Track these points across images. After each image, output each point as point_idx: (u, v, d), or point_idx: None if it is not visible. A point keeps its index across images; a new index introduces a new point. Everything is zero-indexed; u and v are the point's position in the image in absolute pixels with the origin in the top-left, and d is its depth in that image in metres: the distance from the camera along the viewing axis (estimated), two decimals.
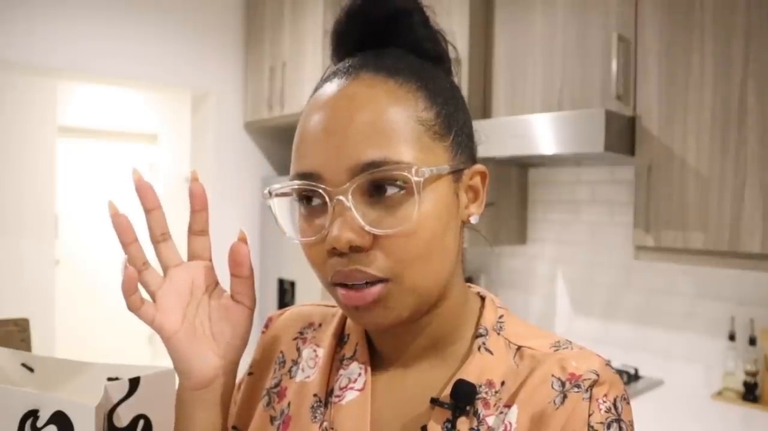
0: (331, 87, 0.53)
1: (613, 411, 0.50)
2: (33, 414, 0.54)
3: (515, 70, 2.21)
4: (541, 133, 1.94)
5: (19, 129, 3.85)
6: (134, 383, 0.57)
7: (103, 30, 2.73)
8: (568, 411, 0.49)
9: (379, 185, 0.49)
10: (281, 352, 0.67)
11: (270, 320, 0.71)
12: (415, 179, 0.48)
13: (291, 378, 0.64)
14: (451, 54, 0.60)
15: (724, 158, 1.70)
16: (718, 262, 1.73)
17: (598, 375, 0.51)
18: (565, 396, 0.50)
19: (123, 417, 0.56)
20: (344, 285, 0.51)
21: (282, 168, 3.33)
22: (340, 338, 0.64)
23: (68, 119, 4.57)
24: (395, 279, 0.50)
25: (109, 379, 0.59)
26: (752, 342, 1.88)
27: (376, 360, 0.60)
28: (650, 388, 2.06)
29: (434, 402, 0.54)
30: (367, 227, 0.49)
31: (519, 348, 0.55)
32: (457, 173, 0.54)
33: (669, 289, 2.13)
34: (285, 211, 0.57)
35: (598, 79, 1.97)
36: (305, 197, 0.53)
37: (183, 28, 2.98)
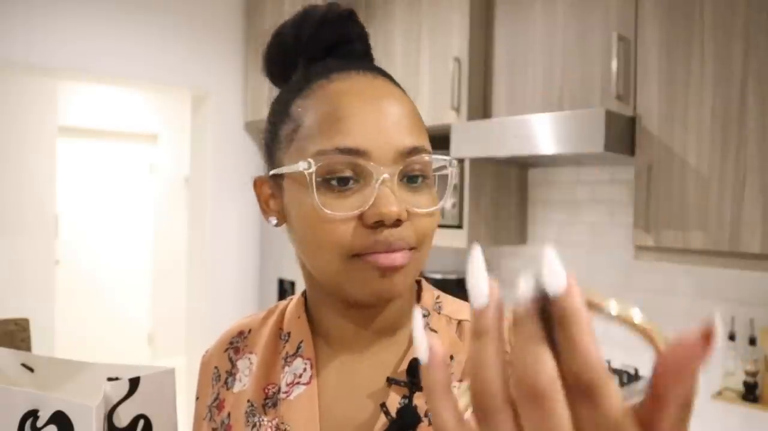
0: (362, 77, 0.56)
1: None
2: (33, 414, 0.54)
3: (515, 70, 2.21)
4: (541, 133, 1.94)
5: (19, 129, 3.85)
6: (134, 383, 0.57)
7: (103, 30, 2.73)
8: None
9: (412, 173, 0.55)
10: (215, 367, 0.68)
11: (205, 352, 0.73)
12: (451, 169, 0.57)
13: (228, 389, 0.65)
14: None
15: (724, 158, 1.70)
16: (718, 262, 1.73)
17: None
18: None
19: (123, 417, 0.56)
20: (377, 252, 0.53)
21: None
22: (279, 338, 0.65)
23: (68, 119, 4.57)
24: (419, 248, 0.55)
25: (109, 379, 0.59)
26: (752, 342, 1.88)
27: (323, 354, 0.61)
28: None
29: (390, 380, 0.56)
30: (407, 206, 0.53)
31: (459, 322, 0.60)
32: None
33: (669, 289, 2.13)
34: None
35: (598, 78, 1.97)
36: (334, 175, 0.53)
37: (183, 28, 2.98)
